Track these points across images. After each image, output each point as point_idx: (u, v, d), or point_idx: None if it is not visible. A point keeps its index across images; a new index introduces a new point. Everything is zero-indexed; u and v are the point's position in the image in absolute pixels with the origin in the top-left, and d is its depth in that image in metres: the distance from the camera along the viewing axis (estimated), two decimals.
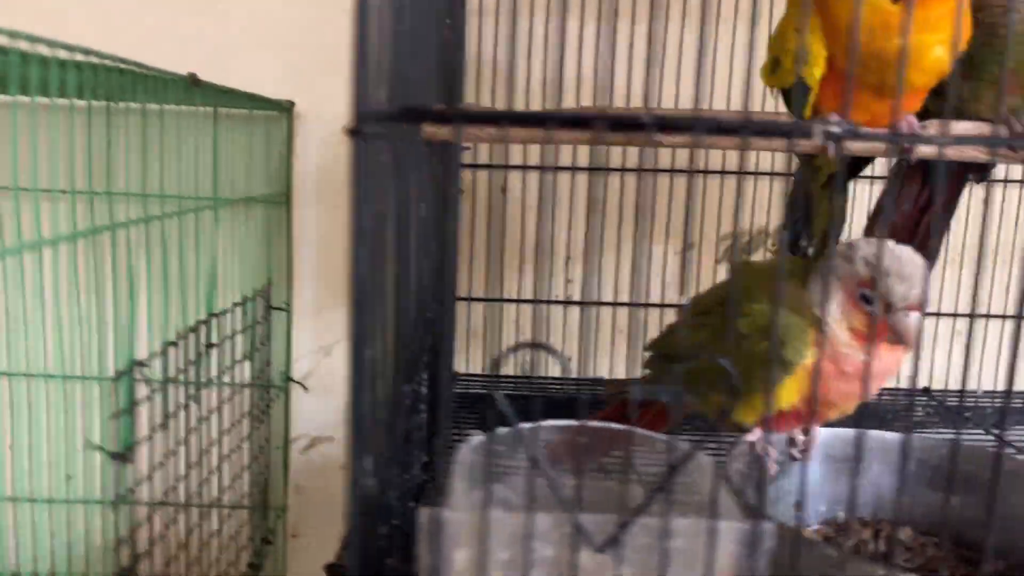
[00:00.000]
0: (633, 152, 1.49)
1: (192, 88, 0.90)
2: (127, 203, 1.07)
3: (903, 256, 0.77)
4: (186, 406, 0.89)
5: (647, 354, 1.02)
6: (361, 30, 0.45)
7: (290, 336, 1.46)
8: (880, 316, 0.76)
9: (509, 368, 1.56)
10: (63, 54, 0.66)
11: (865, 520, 0.93)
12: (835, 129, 0.85)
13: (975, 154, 0.90)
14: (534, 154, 1.49)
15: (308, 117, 1.45)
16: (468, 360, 1.56)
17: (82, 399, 1.14)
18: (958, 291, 1.55)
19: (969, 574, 0.84)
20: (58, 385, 1.13)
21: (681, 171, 1.49)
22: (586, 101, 1.50)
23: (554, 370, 1.55)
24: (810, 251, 1.06)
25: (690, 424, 1.16)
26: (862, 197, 1.37)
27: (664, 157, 1.50)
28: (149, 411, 0.76)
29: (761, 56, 0.94)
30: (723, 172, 1.50)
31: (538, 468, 0.57)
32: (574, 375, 1.56)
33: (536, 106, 1.46)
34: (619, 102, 1.46)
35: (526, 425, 0.62)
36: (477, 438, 0.66)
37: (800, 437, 0.90)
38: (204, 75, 0.99)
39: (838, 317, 0.79)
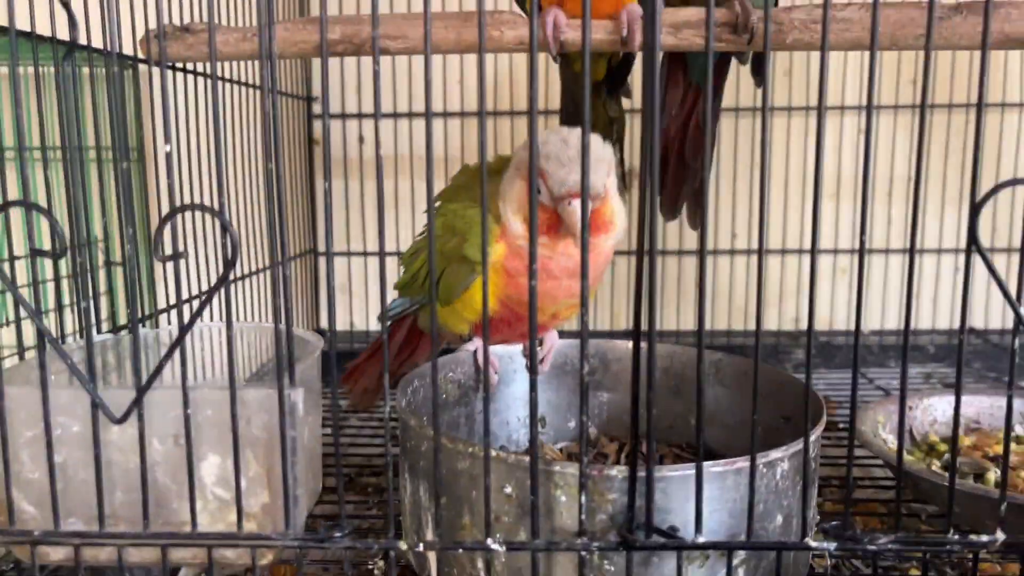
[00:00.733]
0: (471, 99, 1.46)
1: None
2: None
3: (568, 141, 0.72)
4: None
5: None
6: None
7: None
8: (549, 206, 0.72)
9: (375, 323, 1.54)
10: None
11: (614, 435, 0.88)
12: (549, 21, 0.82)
13: (698, 41, 0.86)
14: (387, 101, 1.47)
15: None
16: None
17: None
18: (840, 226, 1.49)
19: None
20: None
21: (507, 113, 1.45)
22: None
23: None
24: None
25: None
26: None
27: (501, 100, 1.47)
28: None
29: None
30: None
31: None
32: None
33: None
34: None
35: None
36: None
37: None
38: None
39: (514, 210, 0.75)
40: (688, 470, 0.56)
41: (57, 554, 0.57)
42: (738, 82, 1.43)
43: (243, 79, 1.22)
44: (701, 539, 0.53)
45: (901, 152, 1.46)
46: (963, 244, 1.44)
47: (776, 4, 0.95)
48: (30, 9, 0.63)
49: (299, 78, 1.46)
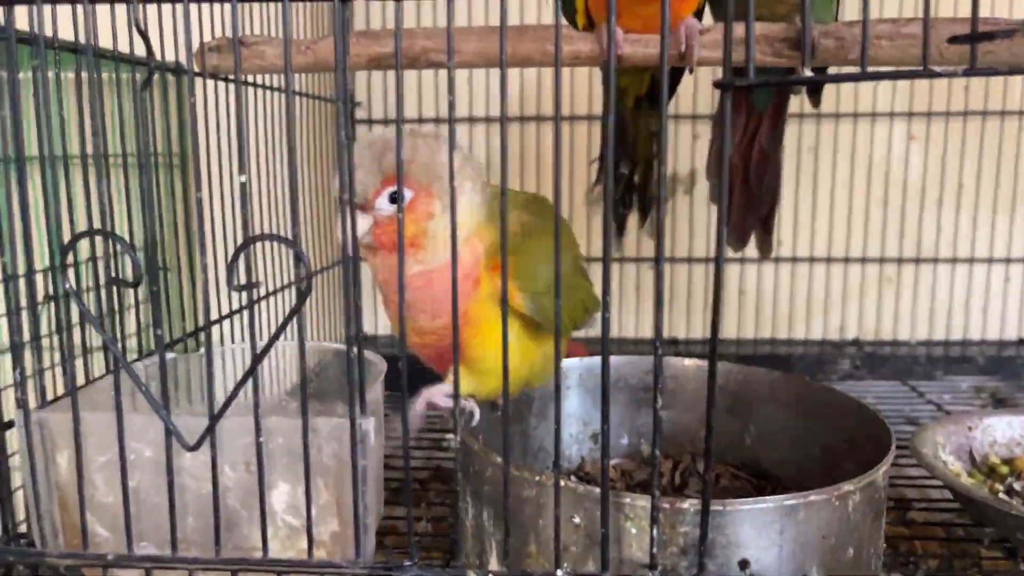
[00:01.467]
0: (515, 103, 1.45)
1: None
2: None
3: (362, 145, 0.66)
4: None
5: None
6: None
7: None
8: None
9: None
10: None
11: (668, 453, 0.87)
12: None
13: (762, 58, 0.85)
14: (428, 107, 1.47)
15: None
16: (376, 321, 1.54)
17: None
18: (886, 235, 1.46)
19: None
20: None
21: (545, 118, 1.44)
22: None
23: None
24: (635, 178, 1.00)
25: None
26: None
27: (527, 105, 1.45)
28: None
29: None
30: (589, 117, 1.44)
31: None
32: None
33: None
34: None
35: None
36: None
37: None
38: None
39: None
40: (758, 504, 0.55)
41: None
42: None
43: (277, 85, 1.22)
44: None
45: (952, 159, 1.43)
46: (1016, 253, 1.43)
47: (836, 20, 0.94)
48: (113, 29, 0.63)
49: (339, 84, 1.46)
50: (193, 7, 0.58)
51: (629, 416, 0.89)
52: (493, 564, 0.64)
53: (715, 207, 1.45)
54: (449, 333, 0.65)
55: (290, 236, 0.51)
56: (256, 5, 1.06)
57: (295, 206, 0.51)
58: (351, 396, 0.52)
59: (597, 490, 0.56)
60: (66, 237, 0.52)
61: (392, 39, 0.91)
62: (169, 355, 0.77)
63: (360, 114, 1.51)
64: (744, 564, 0.55)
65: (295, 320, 0.51)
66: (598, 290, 0.63)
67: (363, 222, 0.65)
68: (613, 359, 0.88)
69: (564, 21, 0.95)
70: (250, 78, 1.08)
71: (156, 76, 0.83)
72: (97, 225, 0.53)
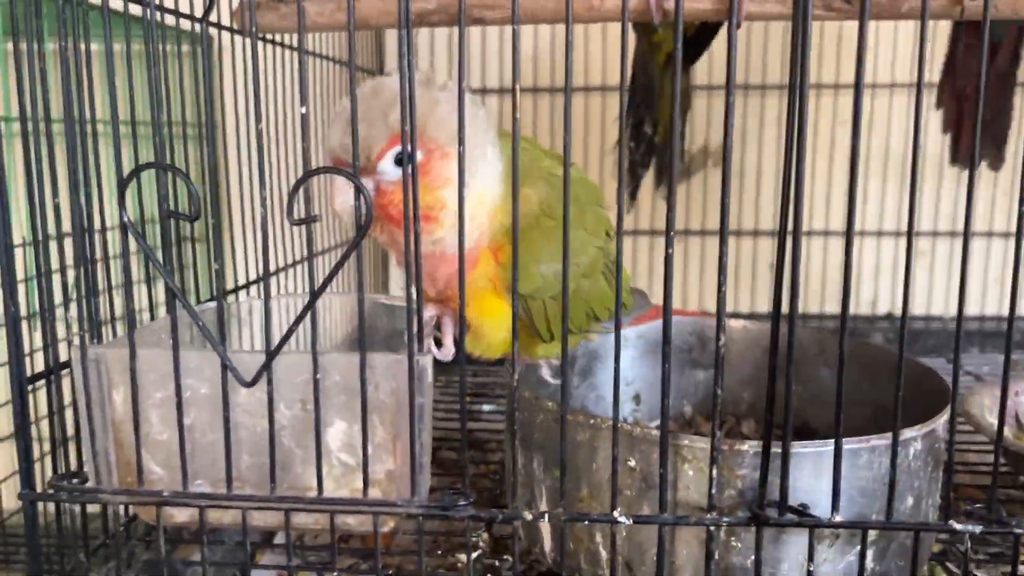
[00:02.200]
0: (545, 72, 1.44)
1: None
2: None
3: (378, 92, 0.59)
4: None
5: None
6: None
7: None
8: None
9: None
10: None
11: (710, 415, 0.87)
12: None
13: (817, 12, 0.83)
14: (474, 76, 1.46)
15: None
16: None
17: None
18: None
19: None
20: None
21: (596, 88, 1.43)
22: None
23: None
24: (656, 139, 0.99)
25: None
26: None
27: (578, 76, 1.44)
28: None
29: None
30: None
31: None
32: None
33: None
34: None
35: None
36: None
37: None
38: None
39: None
40: (819, 447, 0.55)
41: (182, 516, 0.57)
42: (820, 57, 1.40)
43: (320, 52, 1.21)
44: (838, 518, 0.51)
45: None
46: None
47: None
48: None
49: (372, 50, 1.46)
50: None
51: (677, 378, 0.88)
52: (542, 508, 0.64)
53: (746, 183, 1.45)
54: (450, 296, 0.65)
55: (351, 175, 0.50)
56: None
57: (355, 145, 0.51)
58: (408, 331, 0.52)
59: (654, 432, 0.56)
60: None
61: None
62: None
63: None
64: (803, 509, 0.55)
65: (352, 259, 0.51)
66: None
67: (346, 191, 0.56)
68: (656, 323, 0.88)
69: None
70: (287, 39, 1.08)
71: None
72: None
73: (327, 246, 1.22)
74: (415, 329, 0.52)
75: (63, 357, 0.58)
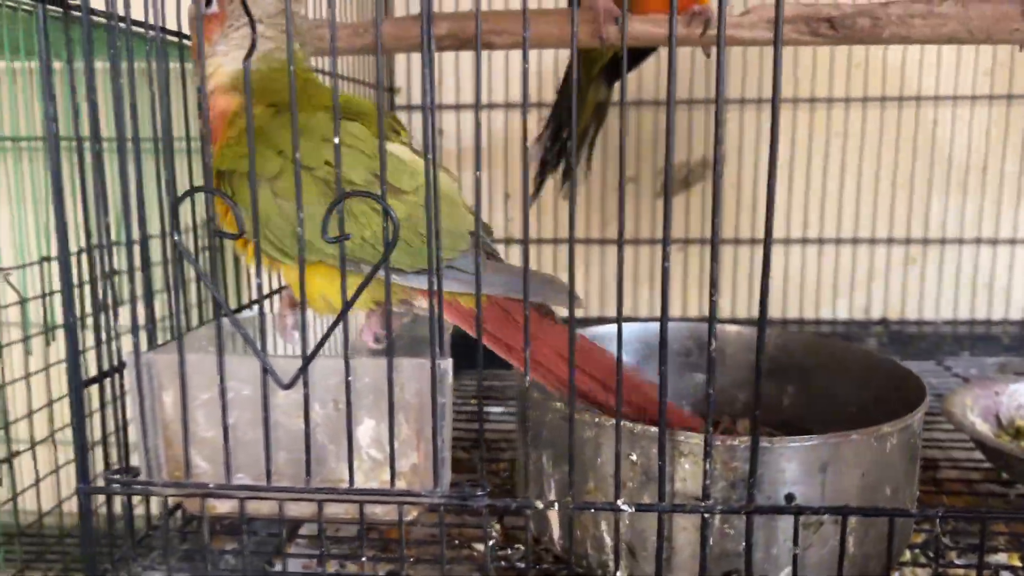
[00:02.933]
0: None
1: None
2: None
3: None
4: None
5: None
6: None
7: None
8: None
9: None
10: None
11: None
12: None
13: (799, 37, 0.89)
14: (467, 93, 1.52)
15: None
16: None
17: None
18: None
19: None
20: None
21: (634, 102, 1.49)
22: None
23: None
24: (569, 143, 1.06)
25: None
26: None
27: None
28: None
29: None
30: (656, 103, 1.49)
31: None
32: None
33: None
34: None
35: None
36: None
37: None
38: None
39: None
40: (805, 441, 0.60)
41: (224, 506, 0.63)
42: (815, 73, 1.45)
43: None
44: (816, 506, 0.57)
45: (977, 142, 1.47)
46: None
47: None
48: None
49: (385, 71, 1.52)
50: None
51: (672, 380, 0.93)
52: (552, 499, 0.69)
53: (743, 192, 1.50)
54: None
55: (379, 198, 0.56)
56: None
57: (383, 168, 0.56)
58: (431, 336, 0.57)
59: (654, 428, 0.61)
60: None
61: (445, 22, 0.96)
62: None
63: (399, 100, 1.56)
64: (790, 498, 0.60)
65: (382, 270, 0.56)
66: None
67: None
68: (655, 324, 0.94)
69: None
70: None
71: None
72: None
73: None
74: (437, 335, 0.58)
75: (111, 361, 0.64)
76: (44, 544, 0.97)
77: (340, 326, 0.57)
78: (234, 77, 0.69)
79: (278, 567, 0.71)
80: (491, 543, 0.76)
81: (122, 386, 0.64)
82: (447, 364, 0.58)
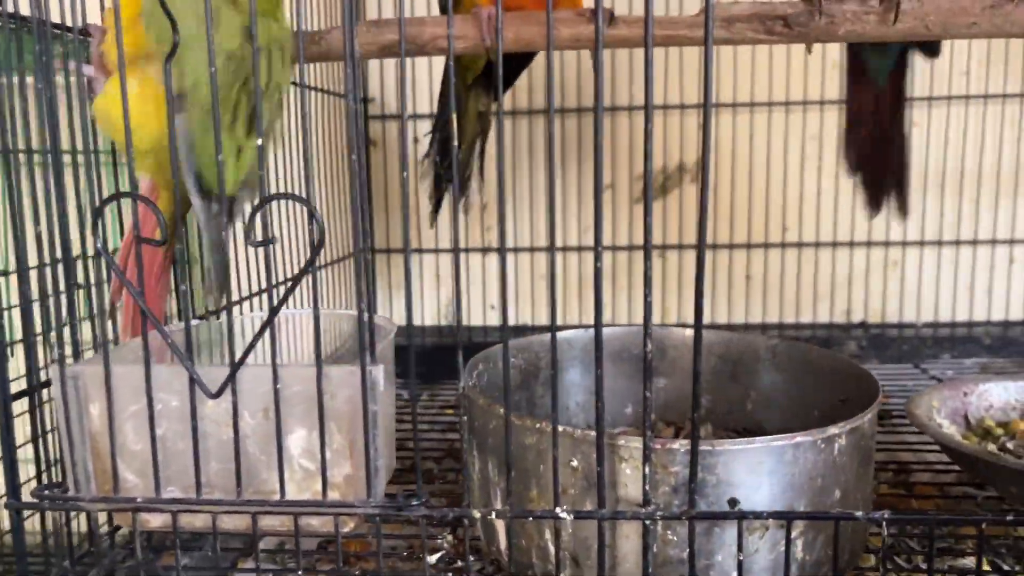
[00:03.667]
0: (541, 94, 1.49)
1: None
2: None
3: None
4: None
5: None
6: None
7: None
8: None
9: (432, 319, 1.58)
10: None
11: (670, 420, 0.91)
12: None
13: (755, 35, 0.88)
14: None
15: None
16: (390, 311, 1.58)
17: None
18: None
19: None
20: None
21: (584, 109, 1.48)
22: None
23: (475, 319, 1.57)
24: (459, 155, 1.05)
25: None
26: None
27: (572, 98, 1.50)
28: None
29: None
30: (630, 108, 1.48)
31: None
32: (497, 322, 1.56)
33: None
34: None
35: None
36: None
37: None
38: None
39: None
40: (748, 444, 0.59)
41: (156, 521, 0.61)
42: (788, 74, 1.44)
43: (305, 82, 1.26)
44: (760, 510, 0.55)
45: (954, 145, 1.46)
46: (1019, 235, 1.45)
47: None
48: None
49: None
50: None
51: (633, 386, 0.92)
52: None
53: (720, 197, 1.49)
54: None
55: (304, 200, 0.55)
56: None
57: (308, 171, 0.55)
58: (361, 343, 0.56)
59: (593, 433, 0.60)
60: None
61: (365, 31, 0.95)
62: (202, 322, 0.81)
63: (373, 110, 1.55)
64: (733, 502, 0.59)
65: (310, 279, 0.55)
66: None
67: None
68: (617, 330, 0.93)
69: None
70: None
71: None
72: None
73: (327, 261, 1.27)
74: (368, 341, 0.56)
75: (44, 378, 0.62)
76: None
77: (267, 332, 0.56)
78: None
79: None
80: (441, 554, 0.75)
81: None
82: (378, 371, 0.56)
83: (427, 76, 1.51)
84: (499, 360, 0.83)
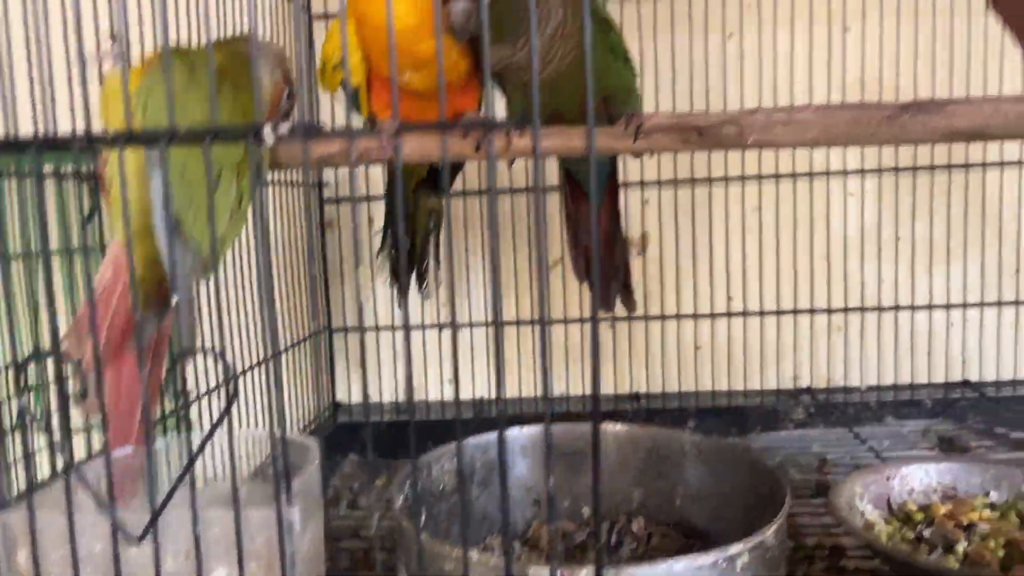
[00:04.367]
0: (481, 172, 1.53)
1: None
2: None
3: None
4: None
5: None
6: None
7: None
8: None
9: (390, 396, 1.60)
10: None
11: (603, 514, 0.93)
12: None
13: (672, 145, 0.93)
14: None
15: None
16: (349, 389, 1.60)
17: None
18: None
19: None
20: None
21: (523, 189, 1.52)
22: None
23: (434, 394, 1.59)
24: (414, 250, 1.10)
25: None
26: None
27: (521, 178, 1.54)
28: None
29: None
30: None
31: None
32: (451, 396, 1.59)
33: None
34: None
35: None
36: None
37: None
38: None
39: None
40: (650, 568, 0.61)
41: None
42: (744, 153, 1.50)
43: None
44: None
45: (887, 214, 1.51)
46: (954, 299, 1.50)
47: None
48: None
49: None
50: None
51: (567, 481, 0.94)
52: None
53: (666, 270, 1.54)
54: None
55: (219, 349, 0.58)
56: None
57: (221, 318, 0.58)
58: (276, 489, 0.58)
59: (496, 559, 0.62)
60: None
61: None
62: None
63: (328, 193, 1.59)
64: None
65: (226, 420, 0.58)
66: None
67: None
68: (557, 428, 0.95)
69: None
70: None
71: None
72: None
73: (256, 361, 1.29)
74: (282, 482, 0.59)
75: None
76: None
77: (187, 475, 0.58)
78: None
79: None
80: None
81: None
82: (294, 514, 0.59)
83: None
84: (432, 467, 0.86)
